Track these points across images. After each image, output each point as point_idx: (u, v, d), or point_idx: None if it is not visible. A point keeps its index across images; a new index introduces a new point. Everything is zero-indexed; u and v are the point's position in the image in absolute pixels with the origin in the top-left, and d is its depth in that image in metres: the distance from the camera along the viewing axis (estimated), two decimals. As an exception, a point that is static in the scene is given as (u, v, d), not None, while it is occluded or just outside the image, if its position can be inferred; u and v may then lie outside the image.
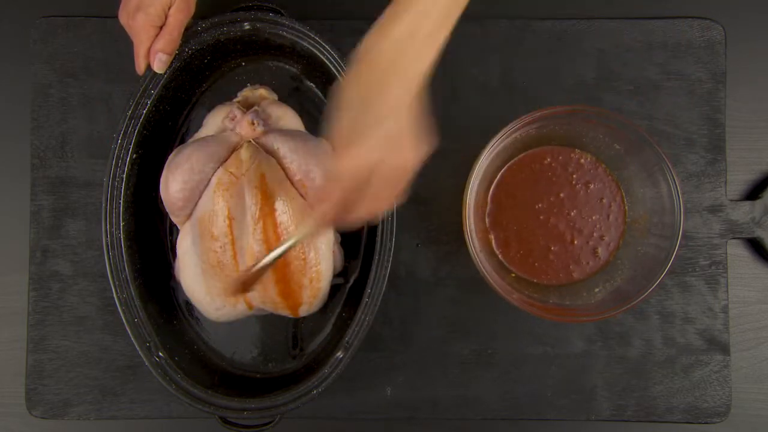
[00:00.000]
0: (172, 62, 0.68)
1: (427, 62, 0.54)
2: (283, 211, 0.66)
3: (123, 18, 0.65)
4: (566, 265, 0.74)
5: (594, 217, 0.74)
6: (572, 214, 0.74)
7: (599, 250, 0.74)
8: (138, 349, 0.67)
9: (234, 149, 0.67)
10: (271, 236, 0.66)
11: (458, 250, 0.77)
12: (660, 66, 0.78)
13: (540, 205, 0.74)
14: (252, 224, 0.65)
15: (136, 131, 0.68)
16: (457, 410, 0.76)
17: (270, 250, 0.63)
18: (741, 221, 0.77)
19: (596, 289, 0.72)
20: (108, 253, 0.68)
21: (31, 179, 0.77)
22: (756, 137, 0.79)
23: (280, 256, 0.61)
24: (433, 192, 0.77)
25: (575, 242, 0.74)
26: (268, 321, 0.75)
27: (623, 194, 0.74)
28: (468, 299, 0.77)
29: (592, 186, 0.74)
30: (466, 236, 0.68)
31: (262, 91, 0.72)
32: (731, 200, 0.78)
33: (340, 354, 0.67)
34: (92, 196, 0.77)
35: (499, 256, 0.74)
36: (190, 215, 0.68)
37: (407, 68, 0.53)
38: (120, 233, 0.68)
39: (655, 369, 0.76)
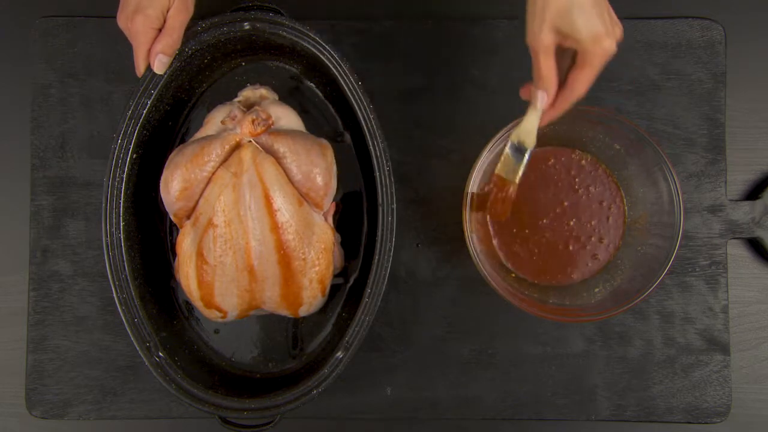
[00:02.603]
0: (172, 62, 0.68)
1: None
2: (283, 210, 0.66)
3: (121, 21, 0.65)
4: (566, 265, 0.74)
5: (594, 217, 0.74)
6: (572, 214, 0.74)
7: (599, 250, 0.74)
8: (138, 349, 0.67)
9: (234, 149, 0.67)
10: (271, 236, 0.66)
11: (458, 250, 0.77)
12: (660, 66, 0.78)
13: (540, 206, 0.74)
14: (252, 224, 0.65)
15: (136, 131, 0.68)
16: (457, 410, 0.76)
17: (271, 252, 0.63)
18: (741, 221, 0.77)
19: (596, 289, 0.72)
20: (108, 253, 0.68)
21: (31, 179, 0.77)
22: (756, 137, 0.79)
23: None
24: (433, 192, 0.77)
25: (575, 242, 0.74)
26: (268, 321, 0.75)
27: (623, 194, 0.74)
28: (468, 299, 0.77)
29: (592, 186, 0.74)
30: (466, 236, 0.68)
31: (263, 91, 0.72)
32: (731, 200, 0.78)
33: (340, 354, 0.67)
34: (92, 196, 0.77)
35: (500, 257, 0.74)
36: (190, 215, 0.68)
37: None
38: (120, 233, 0.68)
39: (655, 369, 0.76)
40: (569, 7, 0.57)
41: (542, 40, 0.59)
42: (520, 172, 0.66)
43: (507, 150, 0.66)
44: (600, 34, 0.57)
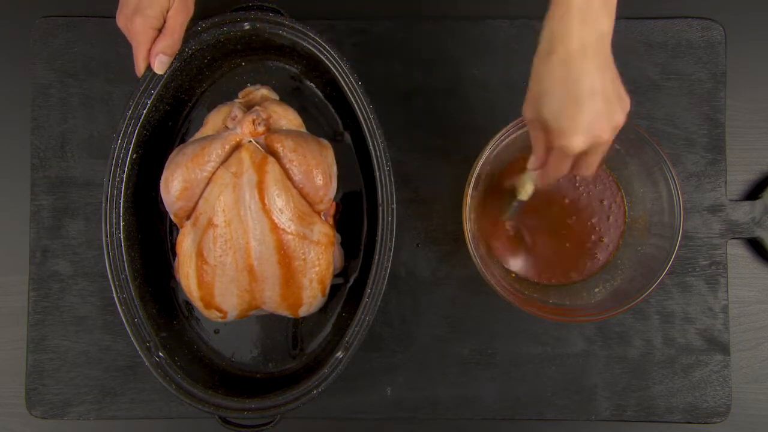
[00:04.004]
0: (172, 62, 0.68)
1: (607, 27, 0.53)
2: (283, 211, 0.66)
3: (121, 21, 0.65)
4: (566, 265, 0.74)
5: (594, 217, 0.74)
6: (572, 214, 0.74)
7: (599, 250, 0.74)
8: (138, 349, 0.67)
9: (235, 149, 0.67)
10: (271, 236, 0.66)
11: (458, 250, 0.77)
12: (660, 66, 0.78)
13: (540, 206, 0.74)
14: (252, 224, 0.65)
15: (136, 131, 0.68)
16: (457, 410, 0.76)
17: (269, 252, 0.64)
18: (741, 221, 0.77)
19: (596, 289, 0.72)
20: (108, 253, 0.68)
21: (31, 179, 0.77)
22: (756, 137, 0.79)
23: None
24: (433, 192, 0.77)
25: (575, 242, 0.74)
26: (268, 321, 0.75)
27: (623, 194, 0.74)
28: (468, 299, 0.77)
29: (592, 186, 0.74)
30: (466, 236, 0.68)
31: (264, 91, 0.72)
32: (731, 200, 0.78)
33: (340, 354, 0.67)
34: (92, 196, 0.77)
35: (500, 257, 0.74)
36: (190, 215, 0.68)
37: (593, 38, 0.52)
38: (120, 233, 0.68)
39: (655, 369, 0.76)
40: (539, 95, 0.55)
41: (525, 116, 0.58)
42: (508, 215, 0.73)
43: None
44: (563, 129, 0.54)
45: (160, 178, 0.68)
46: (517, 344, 0.77)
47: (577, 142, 0.54)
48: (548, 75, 0.54)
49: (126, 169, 0.68)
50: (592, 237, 0.74)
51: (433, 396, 0.76)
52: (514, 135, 0.69)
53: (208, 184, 0.67)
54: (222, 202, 0.66)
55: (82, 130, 0.77)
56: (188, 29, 0.68)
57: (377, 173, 0.68)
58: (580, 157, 0.58)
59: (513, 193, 0.69)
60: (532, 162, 0.62)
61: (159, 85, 0.68)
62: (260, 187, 0.65)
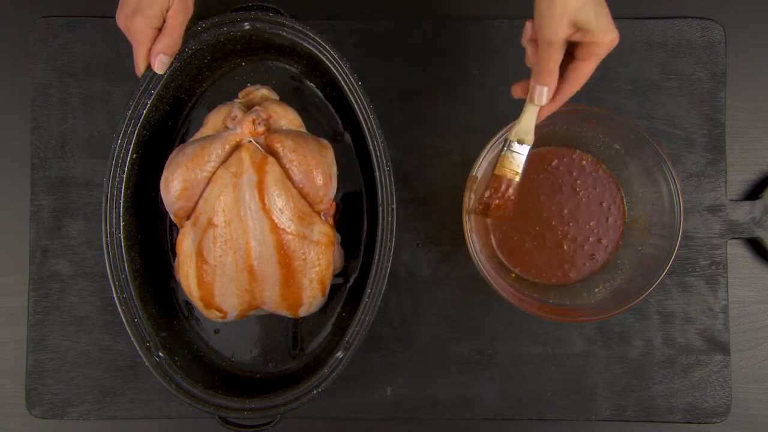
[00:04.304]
0: (172, 62, 0.68)
1: None
2: (283, 211, 0.66)
3: (121, 21, 0.65)
4: (566, 265, 0.74)
5: (594, 217, 0.74)
6: (572, 214, 0.74)
7: (599, 250, 0.74)
8: (138, 349, 0.67)
9: (235, 149, 0.67)
10: (271, 236, 0.66)
11: (458, 250, 0.77)
12: (660, 66, 0.78)
13: (540, 205, 0.74)
14: (252, 224, 0.65)
15: (136, 131, 0.68)
16: (457, 410, 0.76)
17: (271, 253, 0.63)
18: (741, 221, 0.77)
19: (596, 289, 0.72)
20: (108, 253, 0.68)
21: (31, 179, 0.77)
22: (756, 137, 0.79)
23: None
24: (433, 192, 0.77)
25: (575, 242, 0.74)
26: (268, 321, 0.76)
27: (623, 194, 0.74)
28: (468, 299, 0.77)
29: (592, 186, 0.74)
30: (467, 237, 0.68)
31: (264, 91, 0.72)
32: (731, 200, 0.78)
33: (340, 354, 0.67)
34: (92, 196, 0.77)
35: (500, 257, 0.74)
36: (190, 215, 0.68)
37: None
38: (120, 233, 0.68)
39: (655, 369, 0.76)
40: (581, 5, 0.59)
41: (561, 33, 0.59)
42: (521, 171, 0.66)
43: (506, 150, 0.66)
44: (610, 26, 0.60)
45: (160, 178, 0.68)
46: (517, 344, 0.77)
47: (615, 35, 0.61)
48: None
49: (126, 169, 0.68)
50: (594, 234, 0.74)
51: (433, 396, 0.76)
52: (514, 135, 0.69)
53: (208, 184, 0.67)
54: (222, 202, 0.66)
55: (82, 130, 0.77)
56: (188, 29, 0.68)
57: (377, 173, 0.68)
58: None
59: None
60: (544, 94, 0.63)
61: (159, 85, 0.68)
62: (260, 187, 0.65)
